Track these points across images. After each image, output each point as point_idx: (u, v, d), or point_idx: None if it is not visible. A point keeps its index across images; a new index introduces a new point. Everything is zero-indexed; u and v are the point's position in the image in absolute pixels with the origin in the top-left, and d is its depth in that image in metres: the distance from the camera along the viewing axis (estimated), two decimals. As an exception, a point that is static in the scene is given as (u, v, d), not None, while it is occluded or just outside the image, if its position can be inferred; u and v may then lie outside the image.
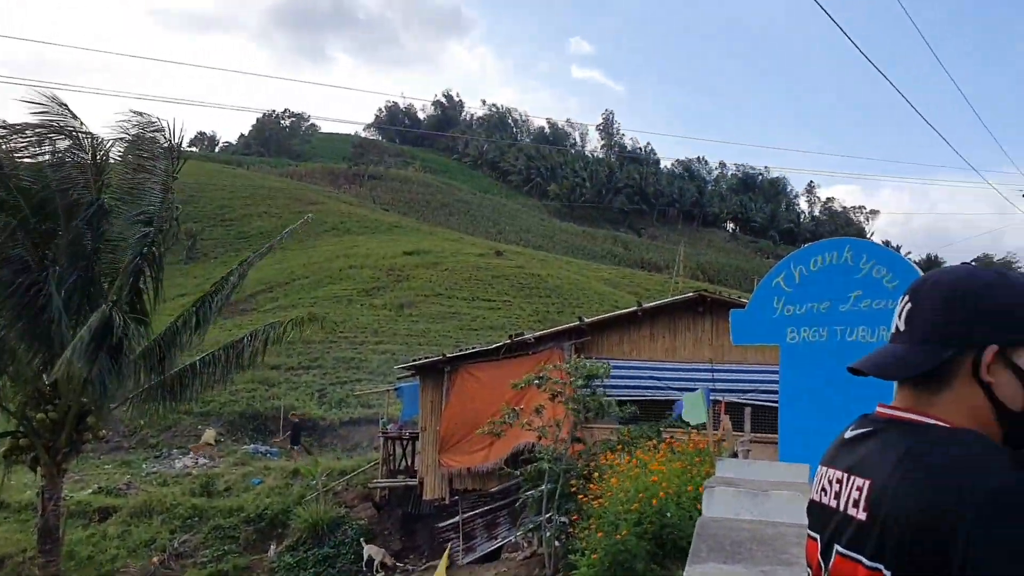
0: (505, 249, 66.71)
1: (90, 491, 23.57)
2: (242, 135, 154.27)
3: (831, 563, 1.44)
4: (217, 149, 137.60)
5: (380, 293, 46.83)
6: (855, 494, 1.40)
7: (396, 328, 40.66)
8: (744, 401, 16.38)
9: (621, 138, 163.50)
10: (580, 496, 11.62)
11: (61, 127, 14.07)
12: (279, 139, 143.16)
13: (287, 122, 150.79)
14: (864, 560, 1.34)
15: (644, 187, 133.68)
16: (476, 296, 47.27)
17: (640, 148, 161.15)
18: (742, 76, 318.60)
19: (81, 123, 14.29)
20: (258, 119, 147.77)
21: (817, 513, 1.53)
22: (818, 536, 1.51)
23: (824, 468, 1.53)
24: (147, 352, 14.68)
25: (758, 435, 15.51)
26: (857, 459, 1.45)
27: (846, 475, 1.45)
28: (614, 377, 16.49)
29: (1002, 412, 1.36)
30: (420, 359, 20.31)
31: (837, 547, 1.43)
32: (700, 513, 9.30)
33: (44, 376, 14.16)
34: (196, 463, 26.14)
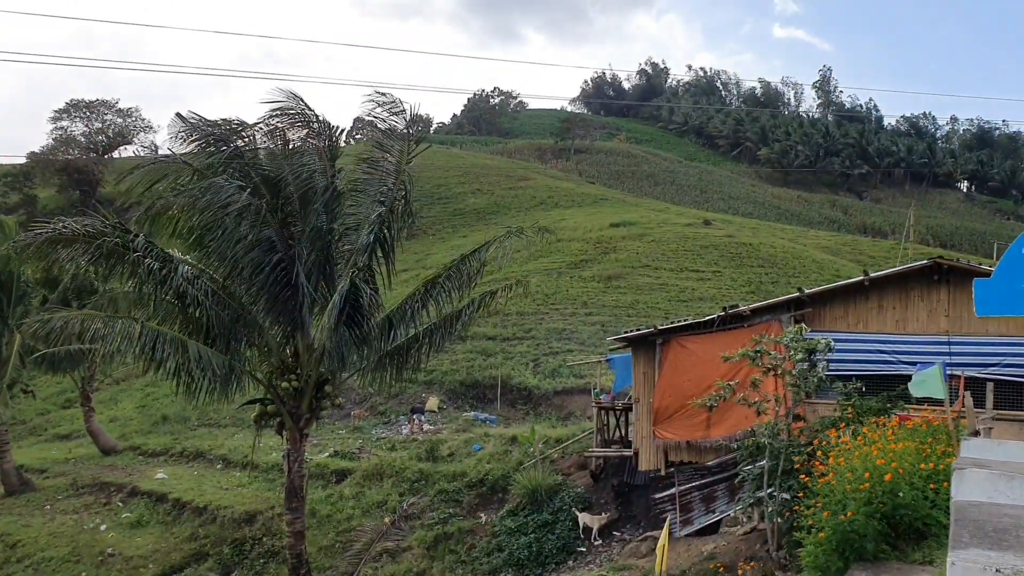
0: (713, 218, 65.11)
1: (327, 454, 25.61)
2: (454, 115, 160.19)
3: None
4: (432, 130, 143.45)
5: (588, 265, 47.19)
6: None
7: (604, 300, 40.88)
8: (986, 376, 15.14)
9: (839, 96, 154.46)
10: (803, 475, 11.24)
11: (303, 116, 15.23)
12: (489, 117, 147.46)
13: (496, 100, 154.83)
14: None
15: (865, 146, 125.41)
16: (684, 267, 46.53)
17: (860, 105, 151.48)
18: (957, 22, 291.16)
19: (314, 112, 15.40)
20: (468, 99, 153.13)
21: None
22: None
23: None
24: (379, 325, 15.69)
25: (1002, 412, 14.34)
26: None
27: None
28: (839, 351, 15.71)
29: None
30: (631, 331, 20.32)
31: None
32: (936, 494, 8.78)
33: (287, 348, 15.55)
34: (422, 429, 27.67)
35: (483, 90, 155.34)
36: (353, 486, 23.13)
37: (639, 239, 51.95)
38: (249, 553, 21.26)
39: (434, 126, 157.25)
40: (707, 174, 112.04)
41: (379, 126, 16.71)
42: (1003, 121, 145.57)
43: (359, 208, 15.96)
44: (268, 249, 14.84)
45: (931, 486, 8.75)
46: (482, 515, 21.02)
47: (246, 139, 15.64)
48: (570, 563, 18.37)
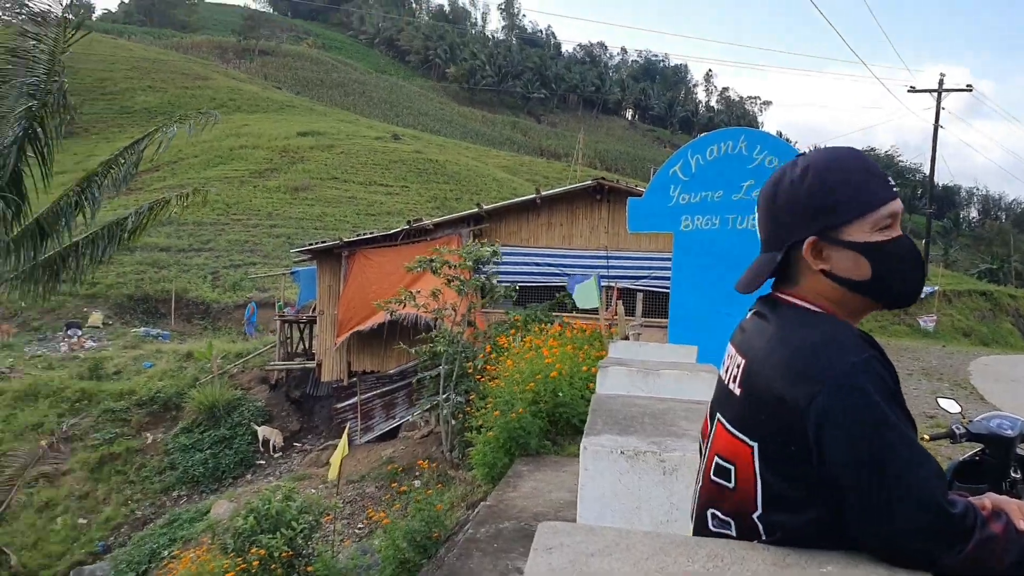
0: (402, 133, 65.42)
1: (-31, 375, 22.71)
2: (122, 2, 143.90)
3: (713, 431, 1.59)
4: (94, 17, 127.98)
5: (273, 175, 45.50)
6: (735, 370, 1.55)
7: (291, 211, 39.81)
8: (637, 287, 16.91)
9: (522, 20, 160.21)
10: (476, 376, 11.91)
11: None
12: (163, 8, 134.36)
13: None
14: (735, 431, 1.49)
15: (544, 71, 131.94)
16: (373, 180, 46.49)
17: (541, 31, 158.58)
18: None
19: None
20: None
21: (716, 386, 1.67)
22: (711, 407, 1.66)
23: (728, 346, 1.66)
24: (27, 232, 14.00)
25: (649, 319, 16.12)
26: (744, 338, 1.59)
27: (736, 352, 1.58)
28: (512, 263, 16.73)
29: (853, 285, 1.48)
30: (317, 243, 20.04)
31: (718, 416, 1.58)
32: (592, 392, 9.73)
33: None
34: (82, 346, 25.42)
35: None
36: (2, 408, 20.77)
37: (328, 150, 50.90)
38: None
39: (98, 12, 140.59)
40: (397, 88, 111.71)
41: (29, 6, 14.52)
42: (666, 55, 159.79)
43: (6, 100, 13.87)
44: None
45: (589, 387, 9.69)
46: (152, 434, 19.94)
47: None
48: (248, 476, 18.09)
